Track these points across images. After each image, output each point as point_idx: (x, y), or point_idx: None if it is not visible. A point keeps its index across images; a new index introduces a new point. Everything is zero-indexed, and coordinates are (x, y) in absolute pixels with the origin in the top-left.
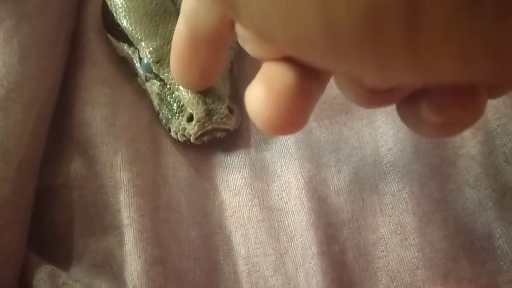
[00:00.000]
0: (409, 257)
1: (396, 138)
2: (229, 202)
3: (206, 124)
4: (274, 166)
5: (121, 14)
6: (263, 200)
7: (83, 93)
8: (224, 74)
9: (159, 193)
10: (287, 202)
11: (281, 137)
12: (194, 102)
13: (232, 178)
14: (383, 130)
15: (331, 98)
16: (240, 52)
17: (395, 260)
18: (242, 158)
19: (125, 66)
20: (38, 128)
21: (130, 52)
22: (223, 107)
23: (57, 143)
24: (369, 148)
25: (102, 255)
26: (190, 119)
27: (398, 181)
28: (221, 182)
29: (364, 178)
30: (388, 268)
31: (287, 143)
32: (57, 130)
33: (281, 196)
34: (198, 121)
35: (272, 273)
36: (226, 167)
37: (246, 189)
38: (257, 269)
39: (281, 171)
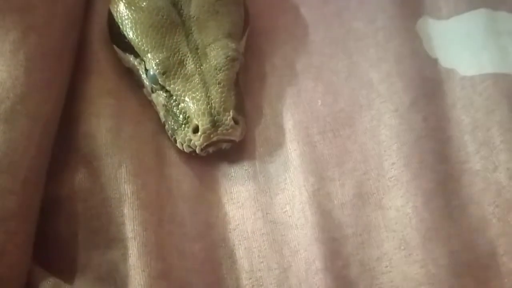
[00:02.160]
0: (413, 273)
1: (400, 153)
2: (232, 214)
3: (211, 136)
4: (278, 179)
5: (127, 26)
6: (267, 213)
7: (88, 104)
8: (229, 85)
9: (163, 206)
10: (291, 216)
11: (285, 149)
12: (200, 113)
13: (236, 191)
14: (387, 144)
15: (335, 111)
16: (245, 64)
17: (399, 276)
18: (246, 170)
19: (130, 77)
20: (44, 140)
21: (136, 63)
22: (228, 118)
23: (62, 154)
24: (373, 162)
25: (106, 268)
26: (195, 130)
27: (402, 196)
28: (225, 194)
29: (368, 192)
30: (392, 284)
31: (292, 156)
32: (63, 141)
33: (285, 209)
34: (204, 132)
35: (275, 287)
36: (230, 179)
37: (250, 202)
38: (261, 283)
39: (285, 184)
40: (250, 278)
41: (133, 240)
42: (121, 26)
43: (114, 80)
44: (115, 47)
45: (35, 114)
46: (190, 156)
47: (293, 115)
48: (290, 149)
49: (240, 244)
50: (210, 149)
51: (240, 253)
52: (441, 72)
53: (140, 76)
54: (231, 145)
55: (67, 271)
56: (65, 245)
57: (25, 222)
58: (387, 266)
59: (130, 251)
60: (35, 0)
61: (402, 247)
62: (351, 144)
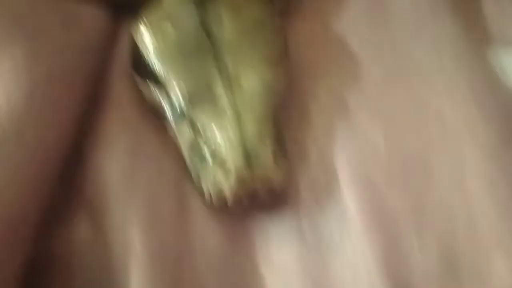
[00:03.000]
0: None
1: (498, 206)
2: (273, 284)
3: (246, 182)
4: (332, 235)
5: (150, 50)
6: (318, 280)
7: (100, 140)
8: (267, 117)
9: (181, 265)
10: (352, 284)
11: (338, 198)
12: (231, 146)
13: (276, 253)
14: (478, 196)
15: (401, 150)
16: (284, 102)
17: None
18: (288, 226)
19: (152, 111)
20: (40, 178)
21: (159, 94)
22: (267, 153)
23: (62, 201)
24: (461, 220)
25: None
26: (225, 169)
27: (507, 262)
28: (262, 258)
29: (458, 257)
30: None
31: (348, 206)
32: (68, 179)
33: (343, 274)
34: (237, 173)
35: None
36: (268, 239)
37: (295, 267)
38: None
39: (341, 242)
40: None
41: None
42: (143, 51)
43: (132, 112)
44: (136, 76)
45: (31, 144)
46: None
47: (348, 156)
48: (346, 197)
49: None
50: (245, 201)
51: None
52: None
53: (163, 107)
54: (270, 196)
55: None
56: None
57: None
58: None
59: None
60: (50, 25)
61: None
62: (429, 195)
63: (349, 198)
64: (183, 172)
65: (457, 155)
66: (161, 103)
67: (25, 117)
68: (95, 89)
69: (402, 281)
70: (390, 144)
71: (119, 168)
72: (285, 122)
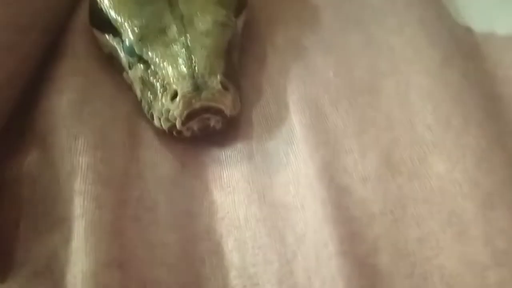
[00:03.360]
0: (471, 254)
1: (437, 112)
2: (221, 201)
3: (193, 101)
4: (279, 155)
5: (107, 2)
6: (264, 196)
7: (55, 82)
8: (218, 52)
9: (129, 187)
10: (295, 196)
11: (288, 123)
12: (180, 77)
13: (227, 175)
14: (419, 106)
15: (351, 80)
16: (242, 48)
17: (451, 260)
18: (240, 152)
19: (110, 62)
20: None
21: (115, 43)
22: (214, 82)
23: (16, 136)
24: (401, 128)
25: (45, 260)
26: (174, 96)
27: (445, 161)
28: (213, 180)
29: (398, 161)
30: (443, 272)
31: (296, 128)
32: (19, 123)
33: (287, 189)
34: (184, 96)
35: (275, 286)
36: (220, 164)
37: (243, 184)
38: (255, 281)
39: (287, 159)
40: (241, 276)
41: (80, 219)
42: (99, 2)
43: (89, 61)
44: (94, 30)
45: None
46: (171, 139)
47: (298, 88)
48: (294, 122)
49: (229, 235)
50: (195, 126)
51: (229, 246)
52: (476, 37)
53: (119, 58)
54: (222, 123)
55: (1, 268)
56: (4, 237)
57: None
58: (433, 249)
59: (76, 233)
60: None
61: (453, 222)
62: (373, 112)
63: (297, 123)
64: (134, 109)
65: (402, 77)
66: (117, 53)
67: None
68: (56, 40)
69: (341, 188)
70: (340, 77)
71: (69, 101)
72: (243, 68)
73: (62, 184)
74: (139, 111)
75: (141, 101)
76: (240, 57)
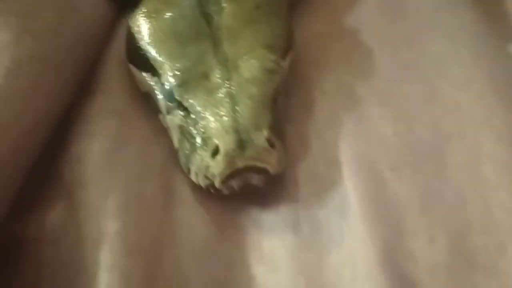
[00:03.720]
0: None
1: None
2: (262, 279)
3: (236, 160)
4: (330, 229)
5: (145, 37)
6: (313, 280)
7: (86, 125)
8: (265, 101)
9: (161, 257)
10: (351, 284)
11: (341, 189)
12: (223, 131)
13: (268, 246)
14: (495, 183)
15: (413, 141)
16: (288, 92)
17: None
18: (284, 217)
19: (146, 102)
20: (13, 159)
21: (152, 83)
22: (261, 138)
23: (40, 185)
24: (475, 209)
25: None
26: (215, 152)
27: None
28: (252, 249)
29: (472, 252)
30: None
31: (351, 197)
32: (46, 168)
33: (341, 272)
34: (226, 154)
35: None
36: (261, 230)
37: (288, 262)
38: None
39: (341, 236)
40: None
41: None
42: (138, 39)
43: (124, 101)
44: (131, 66)
45: (6, 123)
46: (209, 195)
47: (351, 146)
48: (348, 189)
49: None
50: (235, 184)
51: None
52: None
53: (156, 98)
54: (264, 181)
55: None
56: None
57: None
58: None
59: None
60: (42, 6)
61: None
62: (441, 184)
63: (351, 190)
64: (170, 157)
65: (473, 145)
66: (153, 91)
67: (1, 96)
68: (88, 76)
69: (407, 279)
70: (399, 135)
71: (99, 150)
72: (287, 113)
73: (87, 253)
74: (175, 159)
75: (177, 151)
76: (285, 101)
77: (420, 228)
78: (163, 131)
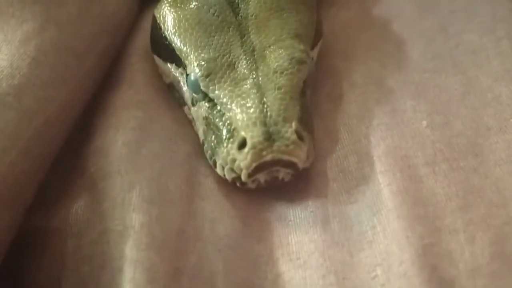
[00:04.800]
0: None
1: None
2: (289, 277)
3: (264, 153)
4: (363, 227)
5: (170, 26)
6: (343, 278)
7: (110, 117)
8: (293, 92)
9: (184, 251)
10: (384, 284)
11: (373, 184)
12: (250, 122)
13: (296, 242)
14: None
15: (450, 135)
16: (316, 85)
17: None
18: (312, 212)
19: (170, 94)
20: (36, 147)
21: (177, 74)
22: (289, 131)
23: (66, 176)
24: None
25: None
26: (242, 145)
27: None
28: (279, 245)
29: None
30: None
31: (384, 194)
32: (70, 160)
33: (374, 273)
34: (253, 147)
35: None
36: (288, 225)
37: (317, 260)
38: None
39: (373, 234)
40: None
41: None
42: (163, 28)
43: (148, 93)
44: (155, 57)
45: (30, 111)
46: (234, 189)
47: (385, 140)
48: (381, 184)
49: None
50: (262, 178)
51: None
52: None
53: (181, 90)
54: (292, 175)
55: None
56: None
57: None
58: None
59: None
60: None
61: None
62: (480, 180)
63: (384, 186)
64: (197, 152)
65: None
66: (179, 85)
67: (26, 84)
68: (112, 67)
69: (444, 282)
70: (437, 130)
71: (124, 142)
72: (316, 105)
73: (112, 245)
74: (200, 152)
75: (203, 143)
76: (313, 95)
77: (459, 226)
78: (188, 123)
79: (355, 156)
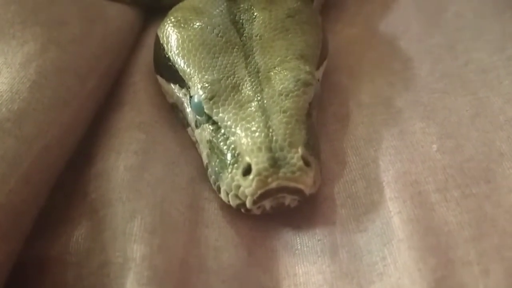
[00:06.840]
0: None
1: None
2: None
3: (269, 180)
4: (373, 257)
5: (173, 46)
6: None
7: (112, 138)
8: (299, 116)
9: (189, 283)
10: None
11: (383, 212)
12: (254, 148)
13: (303, 272)
14: None
15: (461, 160)
16: (321, 104)
17: None
18: (320, 241)
19: (174, 114)
20: (36, 173)
21: (181, 94)
22: (295, 157)
23: (67, 199)
24: None
25: None
26: (247, 171)
27: None
28: (285, 276)
29: None
30: None
31: (395, 222)
32: (71, 183)
33: None
34: (259, 173)
35: None
36: (294, 254)
37: None
38: None
39: (383, 266)
40: None
41: None
42: (166, 48)
43: (151, 114)
44: (158, 77)
45: (30, 137)
46: (239, 215)
47: (394, 164)
48: (391, 212)
49: None
50: (267, 204)
51: None
52: None
53: (184, 111)
54: (298, 201)
55: None
56: None
57: None
58: None
59: None
60: (69, 17)
61: None
62: (493, 208)
63: (394, 214)
64: (198, 174)
65: None
66: (183, 106)
67: (26, 109)
68: (114, 87)
69: None
70: (446, 153)
71: (126, 166)
72: (322, 125)
73: (112, 279)
74: (204, 175)
75: (207, 167)
76: (319, 115)
77: (472, 257)
78: (191, 144)
79: (363, 181)
